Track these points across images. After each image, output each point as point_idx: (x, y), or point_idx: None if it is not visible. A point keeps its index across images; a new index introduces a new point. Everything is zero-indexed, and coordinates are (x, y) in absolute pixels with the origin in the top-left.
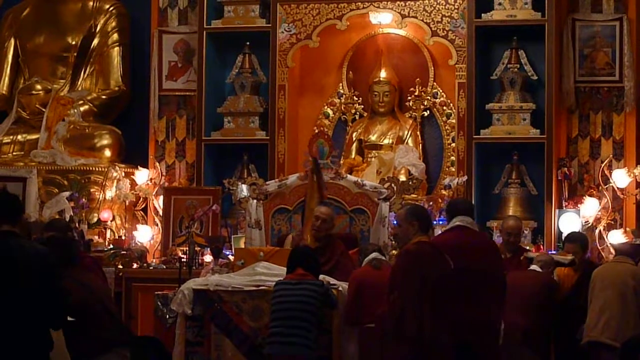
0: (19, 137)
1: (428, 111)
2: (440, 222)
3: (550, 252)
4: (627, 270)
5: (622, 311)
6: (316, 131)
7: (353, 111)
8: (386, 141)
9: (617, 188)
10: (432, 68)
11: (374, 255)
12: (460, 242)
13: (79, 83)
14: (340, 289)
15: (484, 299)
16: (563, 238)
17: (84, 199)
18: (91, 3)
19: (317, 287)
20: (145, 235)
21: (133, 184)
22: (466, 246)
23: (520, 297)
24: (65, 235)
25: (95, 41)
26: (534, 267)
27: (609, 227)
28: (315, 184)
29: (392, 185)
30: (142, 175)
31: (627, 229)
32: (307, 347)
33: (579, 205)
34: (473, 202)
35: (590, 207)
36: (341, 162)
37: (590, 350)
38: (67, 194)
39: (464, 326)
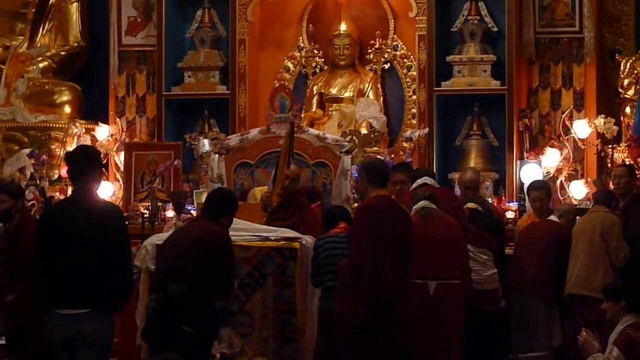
0: None
1: (388, 64)
2: None
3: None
4: (597, 217)
5: (590, 259)
6: (277, 85)
7: (313, 64)
8: (347, 94)
9: (578, 139)
10: (392, 20)
11: (422, 203)
12: None
13: (38, 39)
14: (304, 242)
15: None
16: (525, 189)
17: (44, 156)
18: None
19: None
20: (107, 191)
21: (94, 140)
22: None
23: (533, 248)
24: None
25: None
26: (552, 217)
27: (570, 178)
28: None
29: (354, 138)
30: (102, 131)
31: (589, 179)
32: None
33: (540, 156)
34: (434, 154)
35: (552, 157)
36: (302, 115)
37: (570, 303)
38: (27, 151)
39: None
